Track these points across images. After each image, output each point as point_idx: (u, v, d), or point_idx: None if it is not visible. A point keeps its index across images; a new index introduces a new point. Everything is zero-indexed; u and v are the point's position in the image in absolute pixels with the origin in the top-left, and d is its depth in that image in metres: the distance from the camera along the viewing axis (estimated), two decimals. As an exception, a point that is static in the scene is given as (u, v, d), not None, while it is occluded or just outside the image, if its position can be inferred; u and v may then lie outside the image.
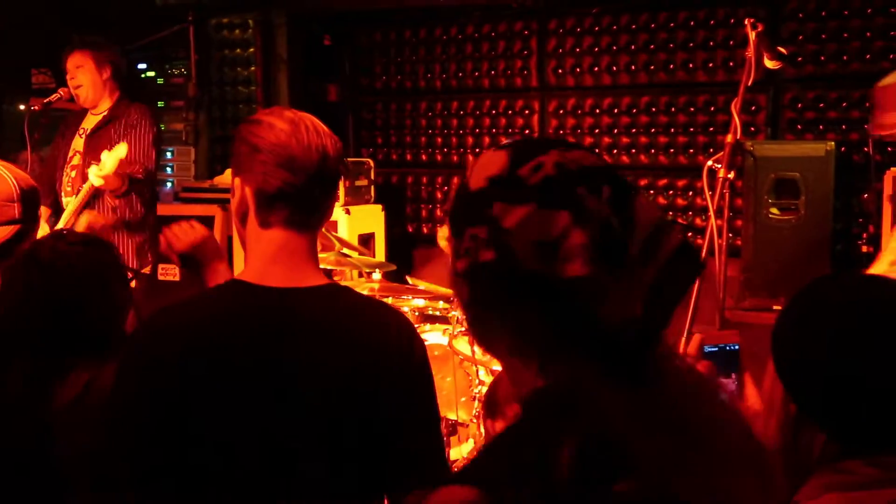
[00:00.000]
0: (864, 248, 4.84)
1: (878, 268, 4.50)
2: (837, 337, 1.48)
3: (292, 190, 1.88)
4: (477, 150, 1.35)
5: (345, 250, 5.10)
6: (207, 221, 6.04)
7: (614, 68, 6.63)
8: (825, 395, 1.49)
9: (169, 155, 6.98)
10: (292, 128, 1.89)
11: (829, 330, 1.50)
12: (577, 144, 1.23)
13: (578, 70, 6.74)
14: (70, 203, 4.91)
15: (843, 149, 5.86)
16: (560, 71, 6.81)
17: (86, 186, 4.75)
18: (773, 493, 1.25)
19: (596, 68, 6.69)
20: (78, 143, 5.16)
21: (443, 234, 5.13)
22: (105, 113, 5.16)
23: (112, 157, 4.59)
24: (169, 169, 7.00)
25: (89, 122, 5.20)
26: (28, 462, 2.26)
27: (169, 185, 6.95)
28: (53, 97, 5.14)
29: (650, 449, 1.08)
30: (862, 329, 1.48)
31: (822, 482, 1.48)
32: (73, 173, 5.11)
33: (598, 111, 6.74)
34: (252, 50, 7.01)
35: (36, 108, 5.27)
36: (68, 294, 2.35)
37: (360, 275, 5.45)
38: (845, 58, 5.98)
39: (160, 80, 7.06)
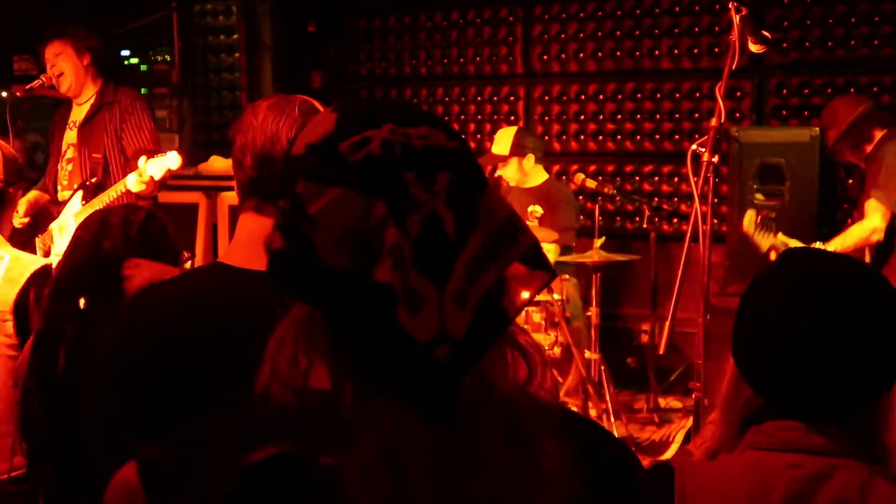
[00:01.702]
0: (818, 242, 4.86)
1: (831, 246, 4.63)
2: (771, 307, 1.56)
3: (243, 174, 1.92)
4: (462, 136, 1.34)
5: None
6: (191, 209, 6.02)
7: (599, 54, 6.63)
8: (756, 359, 1.58)
9: (153, 142, 6.96)
10: (263, 115, 1.92)
11: (763, 299, 1.59)
12: (430, 117, 1.01)
13: (564, 56, 6.74)
14: (94, 202, 4.81)
15: (827, 134, 5.88)
16: (545, 57, 6.81)
17: (118, 188, 4.66)
18: None
19: (581, 54, 6.69)
20: (70, 135, 5.10)
21: None
22: (92, 100, 5.10)
23: (159, 168, 4.50)
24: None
25: (78, 114, 5.14)
26: None
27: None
28: (35, 83, 5.08)
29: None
30: (794, 306, 1.53)
31: (746, 440, 1.57)
32: (70, 166, 5.05)
33: (583, 97, 6.74)
34: (236, 37, 6.99)
35: (18, 94, 5.22)
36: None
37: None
38: (830, 44, 6.00)
39: (143, 67, 7.02)
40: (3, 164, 3.06)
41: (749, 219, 4.80)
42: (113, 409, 1.91)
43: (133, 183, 4.49)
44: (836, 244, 4.68)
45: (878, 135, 4.79)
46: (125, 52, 7.01)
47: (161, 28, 6.91)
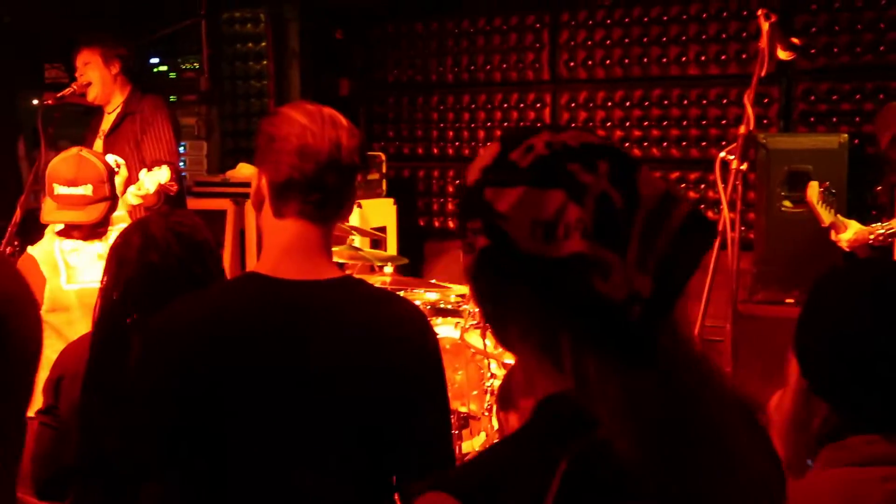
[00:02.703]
0: (874, 244, 4.84)
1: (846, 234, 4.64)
2: (842, 316, 1.55)
3: (303, 179, 1.90)
4: (488, 144, 1.35)
5: (356, 243, 5.11)
6: (220, 216, 6.06)
7: (626, 61, 6.61)
8: (826, 370, 1.55)
9: (181, 149, 6.99)
10: (308, 119, 1.92)
11: (833, 314, 1.57)
12: (571, 126, 1.21)
13: (590, 63, 6.73)
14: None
15: (856, 141, 5.84)
16: (572, 64, 6.80)
17: (124, 201, 4.70)
18: (779, 493, 1.24)
19: (608, 61, 6.67)
20: (98, 145, 5.15)
21: None
22: (119, 109, 5.16)
23: (152, 181, 4.54)
24: (182, 163, 7.01)
25: (106, 123, 5.21)
26: None
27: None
28: (66, 91, 5.13)
29: (654, 465, 1.05)
30: (865, 315, 1.53)
31: (826, 457, 1.54)
32: None
33: (609, 104, 6.73)
34: (264, 44, 7.02)
35: (49, 102, 5.27)
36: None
37: (372, 268, 5.46)
38: (858, 50, 5.95)
39: (172, 75, 7.06)
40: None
41: (813, 189, 4.80)
42: (149, 425, 1.92)
43: (131, 196, 4.53)
44: (895, 224, 4.67)
45: None
46: (154, 60, 7.06)
47: (189, 35, 6.95)
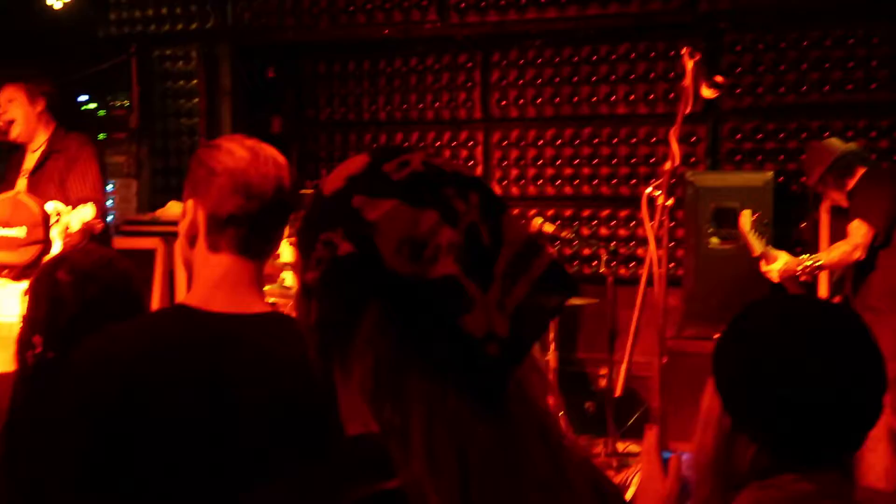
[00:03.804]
0: (802, 277, 4.95)
1: (776, 265, 4.78)
2: (766, 354, 1.54)
3: (245, 216, 1.89)
4: (353, 156, 1.34)
5: (287, 282, 5.08)
6: (149, 255, 5.98)
7: (557, 100, 6.70)
8: (755, 408, 1.54)
9: (110, 187, 6.92)
10: (251, 155, 1.90)
11: (759, 348, 1.56)
12: (444, 156, 1.16)
13: (522, 102, 6.80)
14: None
15: (780, 179, 5.99)
16: (504, 103, 6.86)
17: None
18: None
19: (539, 100, 6.75)
20: (21, 183, 5.05)
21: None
22: (43, 147, 5.06)
23: (77, 219, 4.48)
24: (111, 202, 6.93)
25: (29, 161, 5.09)
26: None
27: (110, 218, 6.88)
28: (-11, 129, 5.04)
29: None
30: (790, 346, 1.53)
31: (753, 496, 1.52)
32: None
33: (541, 142, 6.80)
34: (195, 82, 6.99)
35: (-29, 139, 5.17)
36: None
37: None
38: (782, 89, 6.10)
39: (101, 112, 7.00)
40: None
41: (746, 218, 4.90)
42: (68, 462, 1.88)
43: (57, 234, 4.46)
44: (823, 257, 4.84)
45: (860, 171, 4.95)
46: (83, 97, 6.99)
47: (119, 73, 6.90)
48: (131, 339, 1.89)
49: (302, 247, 1.11)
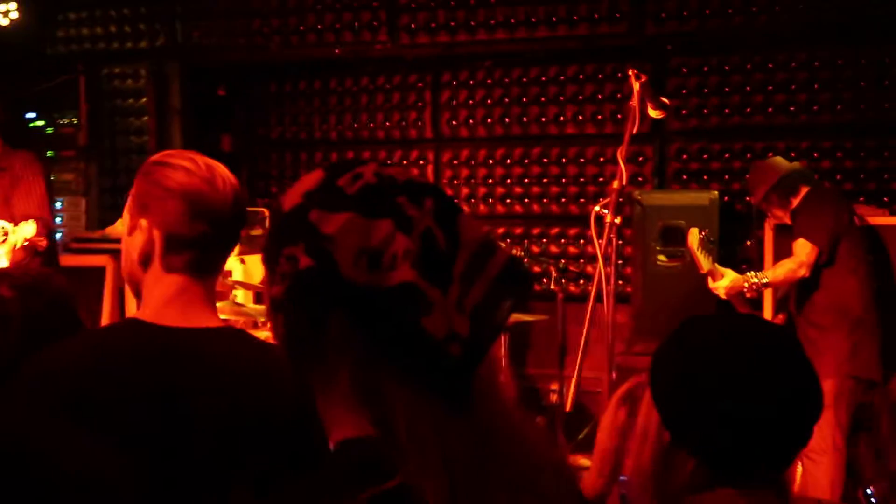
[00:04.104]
0: (748, 294, 5.03)
1: (723, 282, 4.86)
2: (708, 369, 1.56)
3: (202, 238, 1.87)
4: (309, 172, 1.34)
5: (239, 299, 5.08)
6: (99, 272, 5.94)
7: (506, 120, 6.77)
8: (695, 424, 1.56)
9: (59, 205, 6.86)
10: (209, 174, 1.88)
11: (701, 363, 1.58)
12: (396, 164, 1.17)
13: (472, 122, 6.87)
14: None
15: (726, 198, 6.11)
16: (454, 122, 6.92)
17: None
18: None
19: (489, 120, 6.82)
20: None
21: None
22: (-12, 165, 5.03)
23: (19, 236, 4.45)
24: (59, 219, 6.87)
25: None
26: None
27: (59, 235, 6.81)
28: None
29: None
30: (730, 363, 1.56)
31: None
32: None
33: (491, 162, 6.87)
34: (145, 100, 6.96)
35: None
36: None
37: (256, 324, 5.42)
38: (727, 111, 6.23)
39: (49, 130, 6.94)
40: None
41: (693, 236, 4.96)
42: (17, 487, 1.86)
43: (3, 252, 4.43)
44: (769, 275, 4.89)
45: (804, 190, 5.03)
46: (31, 115, 6.93)
47: (68, 90, 6.86)
48: (81, 353, 1.87)
49: (267, 262, 1.14)
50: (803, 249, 4.82)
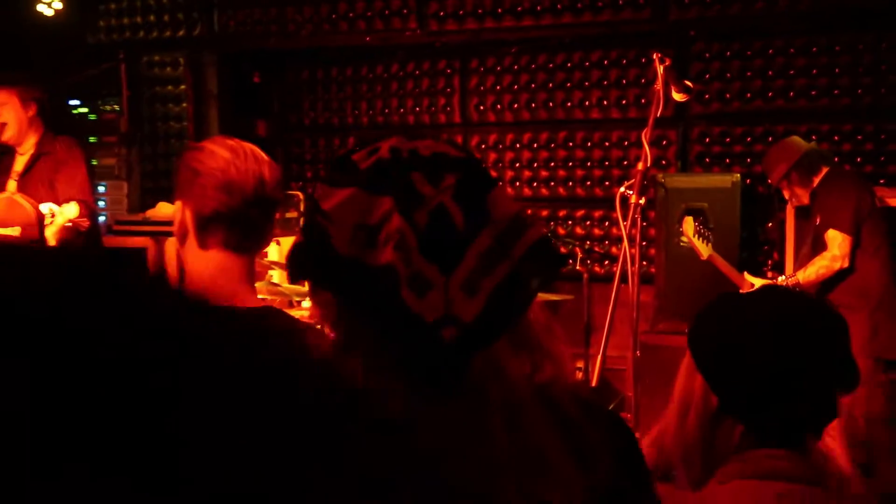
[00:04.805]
0: (770, 275, 5.12)
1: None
2: (755, 338, 1.59)
3: (228, 212, 1.97)
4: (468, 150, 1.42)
5: (275, 279, 5.27)
6: (140, 254, 6.15)
7: (533, 105, 6.90)
8: (743, 390, 1.58)
9: (102, 189, 7.05)
10: (232, 154, 1.99)
11: (747, 330, 1.60)
12: (436, 137, 1.13)
13: (499, 107, 7.00)
14: None
15: (748, 181, 6.20)
16: (481, 108, 7.06)
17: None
18: None
19: (515, 105, 6.95)
20: (11, 185, 5.15)
21: None
22: (32, 151, 5.17)
23: (62, 216, 4.65)
24: (102, 203, 7.07)
25: (19, 164, 5.19)
26: None
27: (102, 218, 7.02)
28: (-20, 131, 5.14)
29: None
30: (776, 329, 1.59)
31: (729, 469, 1.58)
32: None
33: (518, 146, 7.00)
34: (183, 87, 7.13)
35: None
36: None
37: (291, 303, 5.60)
38: (748, 95, 6.34)
39: (92, 116, 7.12)
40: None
41: (688, 224, 5.02)
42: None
43: (51, 234, 4.64)
44: (799, 276, 4.88)
45: (825, 170, 5.05)
46: (74, 102, 7.13)
47: (110, 78, 7.04)
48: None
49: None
50: (835, 241, 4.81)
